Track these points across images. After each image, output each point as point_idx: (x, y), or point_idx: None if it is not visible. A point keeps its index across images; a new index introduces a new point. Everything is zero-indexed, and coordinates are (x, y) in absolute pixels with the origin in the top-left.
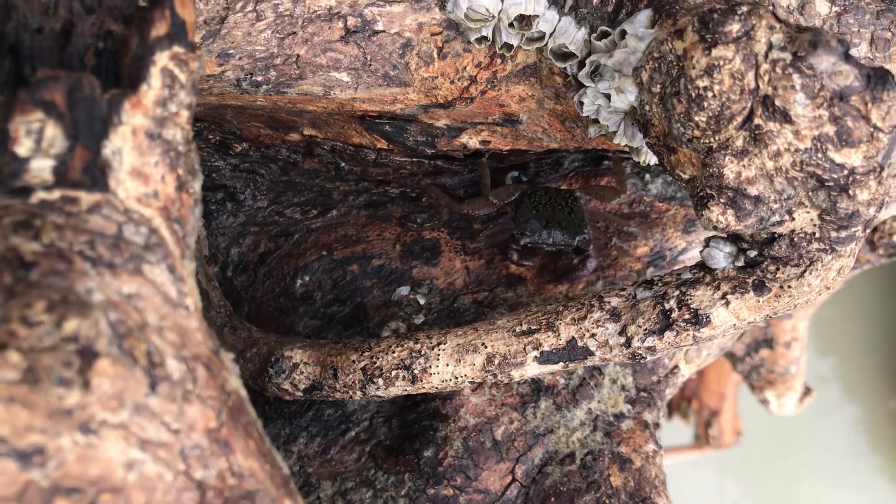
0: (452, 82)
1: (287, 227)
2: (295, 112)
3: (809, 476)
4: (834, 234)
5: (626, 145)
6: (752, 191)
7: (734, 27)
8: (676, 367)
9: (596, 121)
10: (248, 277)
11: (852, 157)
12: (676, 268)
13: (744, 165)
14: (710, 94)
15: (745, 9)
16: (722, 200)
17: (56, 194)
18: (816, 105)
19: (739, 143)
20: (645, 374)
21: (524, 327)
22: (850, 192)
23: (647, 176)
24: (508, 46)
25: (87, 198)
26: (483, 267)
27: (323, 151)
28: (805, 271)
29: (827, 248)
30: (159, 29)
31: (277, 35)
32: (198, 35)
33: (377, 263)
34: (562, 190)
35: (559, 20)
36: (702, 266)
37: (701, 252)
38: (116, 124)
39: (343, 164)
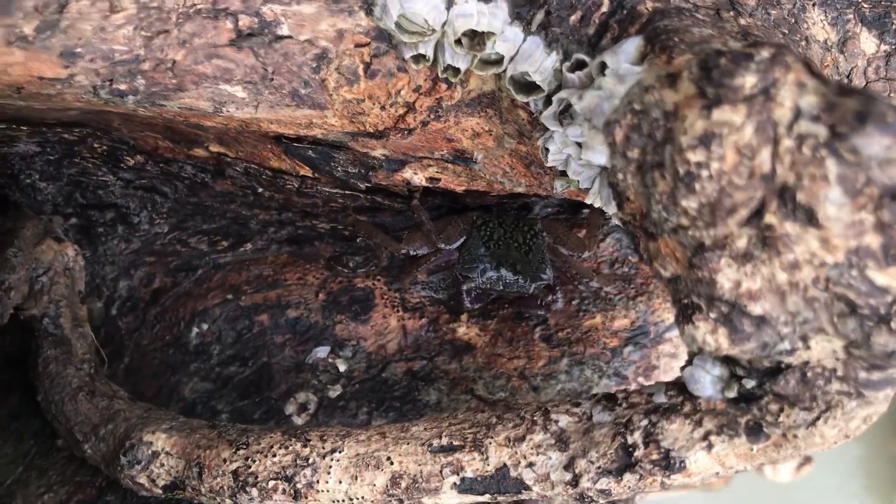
0: (383, 108)
1: (190, 259)
2: (194, 125)
3: None
4: (863, 374)
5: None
6: (756, 308)
7: (748, 80)
8: None
9: (564, 173)
10: (135, 318)
11: None
12: (654, 359)
13: (746, 273)
14: (704, 172)
15: (765, 54)
16: (712, 315)
17: None
18: (857, 206)
19: (742, 243)
20: None
21: (444, 441)
22: (893, 324)
23: None
24: (455, 70)
25: None
26: (424, 328)
27: (235, 173)
28: (819, 418)
29: (852, 391)
30: None
31: (143, 33)
32: (29, 25)
33: (293, 315)
34: (520, 221)
35: (523, 41)
36: (681, 388)
37: (682, 370)
38: None
39: (261, 190)
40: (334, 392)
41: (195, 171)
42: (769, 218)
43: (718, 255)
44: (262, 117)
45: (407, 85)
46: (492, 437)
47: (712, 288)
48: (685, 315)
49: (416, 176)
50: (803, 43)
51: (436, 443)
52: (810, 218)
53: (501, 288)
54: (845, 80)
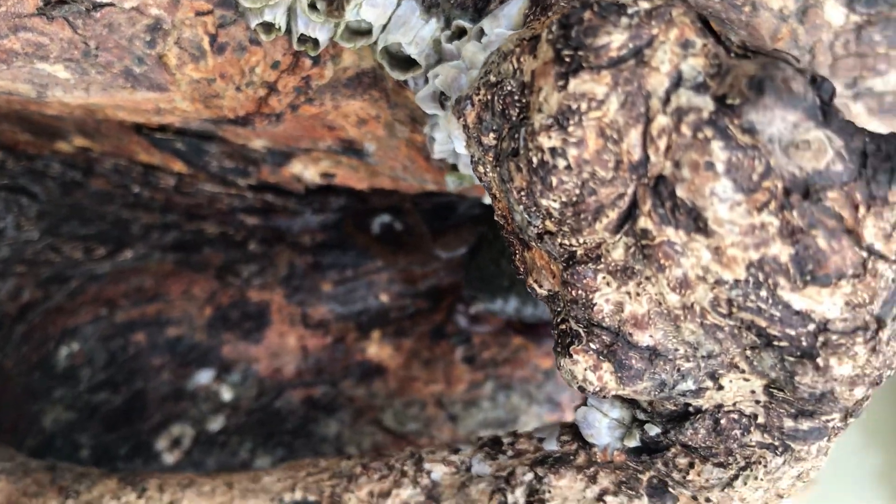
0: (239, 89)
1: (63, 269)
2: (44, 113)
3: None
4: (789, 423)
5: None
6: (643, 338)
7: (615, 39)
8: None
9: (455, 167)
10: (1, 338)
11: (825, 303)
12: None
13: (629, 294)
14: (561, 162)
15: (644, 4)
16: (593, 346)
17: None
18: (756, 205)
19: (618, 254)
20: None
21: (297, 496)
22: (820, 360)
23: None
24: (314, 42)
25: None
26: (328, 348)
27: (104, 170)
28: (737, 477)
29: (776, 443)
30: None
31: None
32: None
33: (173, 333)
34: None
35: (397, 5)
36: (575, 433)
37: (575, 410)
38: None
39: (137, 189)
40: (215, 424)
41: (63, 169)
42: (644, 221)
43: (593, 269)
44: (99, 102)
45: (263, 61)
46: (352, 492)
47: (589, 311)
48: (562, 345)
49: (307, 171)
50: (747, 9)
51: (287, 497)
52: (696, 221)
53: (513, 314)
54: (807, 58)
